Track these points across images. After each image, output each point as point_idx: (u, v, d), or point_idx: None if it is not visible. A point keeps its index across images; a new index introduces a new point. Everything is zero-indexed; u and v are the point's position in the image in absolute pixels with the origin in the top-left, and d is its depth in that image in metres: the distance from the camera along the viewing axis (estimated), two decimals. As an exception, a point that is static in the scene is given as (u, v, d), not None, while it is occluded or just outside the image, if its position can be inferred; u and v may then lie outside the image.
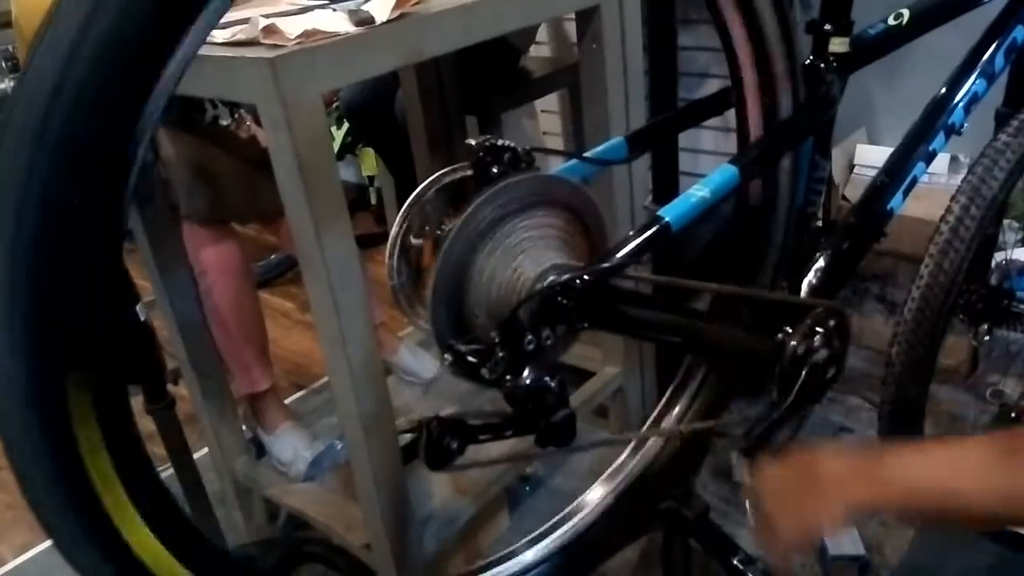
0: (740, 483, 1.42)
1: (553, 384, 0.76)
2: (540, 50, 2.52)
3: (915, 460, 0.75)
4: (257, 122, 1.59)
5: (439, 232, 0.74)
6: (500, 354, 0.72)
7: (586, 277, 0.76)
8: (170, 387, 1.44)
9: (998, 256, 1.66)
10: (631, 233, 0.81)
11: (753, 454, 0.86)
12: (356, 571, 1.60)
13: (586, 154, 0.93)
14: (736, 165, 0.89)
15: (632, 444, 1.19)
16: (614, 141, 0.97)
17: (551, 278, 0.77)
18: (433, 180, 0.78)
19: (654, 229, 0.82)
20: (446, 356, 0.73)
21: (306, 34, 1.07)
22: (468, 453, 0.78)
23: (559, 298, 0.75)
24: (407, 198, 0.79)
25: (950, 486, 0.72)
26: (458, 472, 1.58)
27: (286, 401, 2.01)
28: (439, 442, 0.74)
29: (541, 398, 0.75)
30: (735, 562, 1.43)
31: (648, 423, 1.23)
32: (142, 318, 1.31)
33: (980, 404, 1.89)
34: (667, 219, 0.82)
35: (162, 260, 1.54)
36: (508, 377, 0.73)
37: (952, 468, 0.73)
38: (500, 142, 0.75)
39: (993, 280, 1.61)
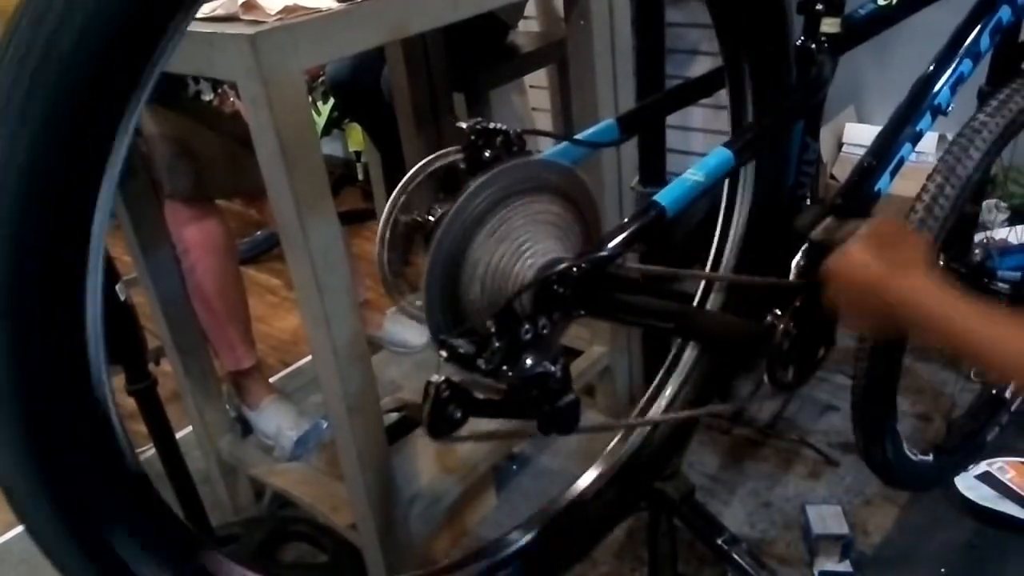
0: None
1: (555, 370, 0.75)
2: (528, 25, 2.49)
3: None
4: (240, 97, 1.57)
5: (430, 218, 0.73)
6: (496, 344, 0.71)
7: (583, 265, 0.75)
8: (152, 366, 1.42)
9: (979, 235, 1.66)
10: (627, 219, 0.80)
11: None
12: (342, 551, 1.60)
13: (576, 136, 0.91)
14: (730, 149, 0.88)
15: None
16: (605, 123, 0.96)
17: (547, 266, 0.76)
18: (423, 165, 0.76)
19: (650, 215, 0.81)
20: (441, 352, 0.72)
21: (287, 10, 1.06)
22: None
23: (555, 287, 0.74)
24: (393, 174, 0.78)
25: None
26: (453, 444, 1.58)
27: (272, 379, 2.00)
28: (444, 407, 0.72)
29: (544, 384, 0.74)
30: (720, 542, 1.44)
31: (639, 407, 1.22)
32: (123, 296, 1.29)
33: (962, 381, 1.90)
34: (663, 204, 0.81)
35: (144, 238, 1.53)
36: (505, 367, 0.72)
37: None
38: (492, 125, 0.73)
39: (975, 258, 1.61)
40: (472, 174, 0.71)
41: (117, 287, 1.28)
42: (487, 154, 0.72)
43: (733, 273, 1.07)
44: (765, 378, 0.99)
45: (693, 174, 0.84)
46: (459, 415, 0.73)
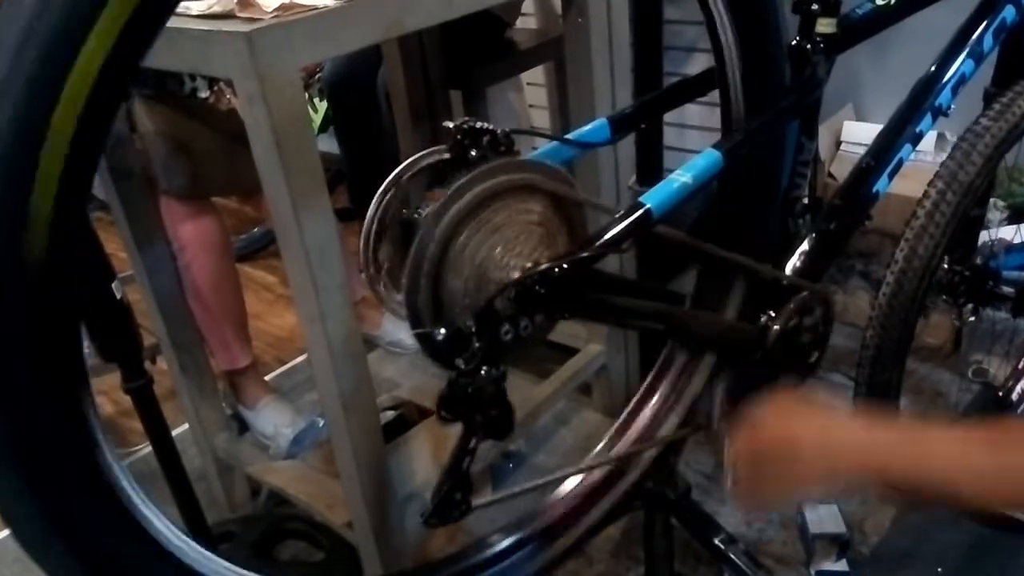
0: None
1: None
2: (526, 22, 2.49)
3: (899, 440, 0.74)
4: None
5: (416, 217, 0.72)
6: (476, 344, 0.70)
7: (565, 266, 0.75)
8: (147, 364, 1.42)
9: (984, 236, 1.66)
10: (612, 220, 0.80)
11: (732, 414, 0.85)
12: (338, 548, 1.60)
13: (568, 136, 0.91)
14: (720, 150, 0.87)
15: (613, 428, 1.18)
16: (597, 123, 0.95)
17: (529, 267, 0.75)
18: (409, 164, 0.76)
19: (635, 216, 0.80)
20: (422, 345, 0.72)
21: (283, 7, 1.05)
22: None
23: (537, 287, 0.74)
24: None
25: (936, 470, 0.71)
26: (444, 448, 1.58)
27: (269, 376, 2.00)
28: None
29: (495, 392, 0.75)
30: (716, 542, 1.44)
31: (630, 407, 1.22)
32: (119, 294, 1.29)
33: (962, 382, 1.90)
34: (648, 206, 0.81)
35: (140, 235, 1.52)
36: (485, 367, 0.72)
37: (939, 453, 0.72)
38: (479, 125, 0.73)
39: (978, 260, 1.61)
40: (457, 173, 0.71)
41: (113, 284, 1.28)
42: (473, 153, 0.72)
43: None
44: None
45: (681, 175, 0.83)
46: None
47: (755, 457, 0.80)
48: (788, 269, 1.10)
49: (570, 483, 1.16)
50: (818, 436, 0.75)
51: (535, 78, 2.63)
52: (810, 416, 0.78)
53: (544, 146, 0.90)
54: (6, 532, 1.78)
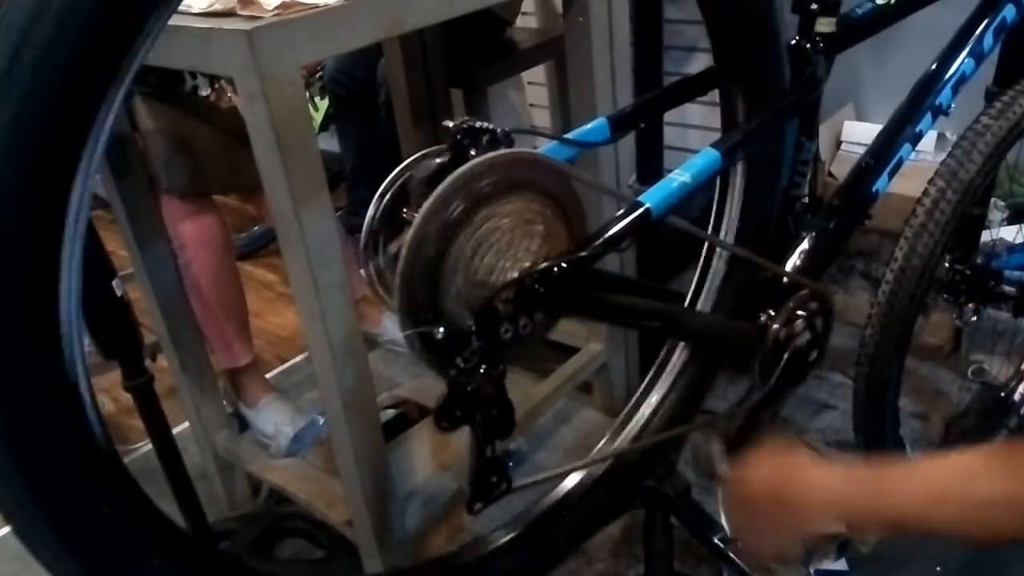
0: (717, 473, 1.44)
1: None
2: (527, 21, 2.49)
3: (865, 481, 0.78)
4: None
5: (414, 217, 0.72)
6: (476, 343, 0.70)
7: (564, 265, 0.75)
8: (148, 362, 1.42)
9: (986, 235, 1.65)
10: (612, 219, 0.80)
11: (734, 443, 0.88)
12: (338, 547, 1.60)
13: (568, 135, 0.91)
14: (718, 149, 0.88)
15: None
16: (596, 122, 0.95)
17: (528, 265, 0.75)
18: (409, 164, 0.76)
19: (635, 215, 0.80)
20: (416, 343, 0.72)
21: (284, 5, 1.05)
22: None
23: (536, 286, 0.74)
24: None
25: (898, 508, 0.74)
26: (444, 447, 1.59)
27: (269, 374, 2.00)
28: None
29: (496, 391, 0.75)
30: (716, 540, 1.44)
31: (629, 406, 1.22)
32: (119, 292, 1.29)
33: (963, 382, 1.90)
34: (648, 205, 0.81)
35: (140, 233, 1.52)
36: (484, 366, 0.72)
37: (903, 490, 0.75)
38: (478, 124, 0.73)
39: (980, 259, 1.61)
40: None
41: (113, 282, 1.28)
42: (473, 152, 0.72)
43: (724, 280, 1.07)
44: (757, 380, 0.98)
45: (680, 175, 0.83)
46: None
47: (748, 507, 0.84)
48: (788, 268, 1.10)
49: (570, 481, 1.16)
50: (799, 485, 0.79)
51: (536, 77, 2.63)
52: (794, 466, 0.80)
53: (544, 145, 0.90)
54: (6, 529, 1.79)
